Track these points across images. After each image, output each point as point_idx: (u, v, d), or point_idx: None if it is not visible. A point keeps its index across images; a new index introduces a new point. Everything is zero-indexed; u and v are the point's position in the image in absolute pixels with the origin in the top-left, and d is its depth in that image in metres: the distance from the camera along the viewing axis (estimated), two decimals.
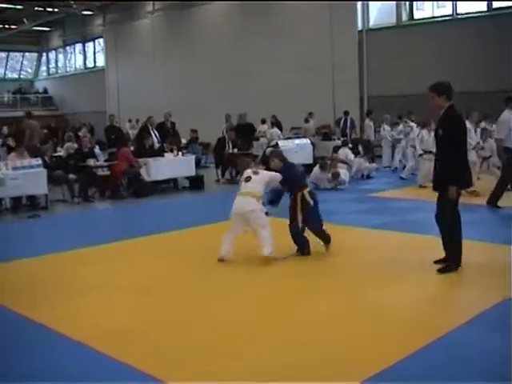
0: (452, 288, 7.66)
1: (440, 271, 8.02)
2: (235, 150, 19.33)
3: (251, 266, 8.84)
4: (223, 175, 19.43)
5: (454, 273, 7.99)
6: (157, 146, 18.05)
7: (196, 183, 17.90)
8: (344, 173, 17.28)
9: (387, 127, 21.98)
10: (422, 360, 5.43)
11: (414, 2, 27.35)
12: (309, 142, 21.40)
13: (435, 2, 26.82)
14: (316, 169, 17.23)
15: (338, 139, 22.09)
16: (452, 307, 7.14)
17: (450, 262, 8.11)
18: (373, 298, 7.25)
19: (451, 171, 7.93)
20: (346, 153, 18.92)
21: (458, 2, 25.37)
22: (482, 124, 17.38)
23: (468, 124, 13.71)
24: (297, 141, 21.29)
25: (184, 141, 22.84)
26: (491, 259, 8.86)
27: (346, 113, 23.85)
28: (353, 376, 5.06)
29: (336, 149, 19.69)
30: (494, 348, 5.69)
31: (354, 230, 11.28)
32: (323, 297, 7.42)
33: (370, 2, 27.75)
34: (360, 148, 20.78)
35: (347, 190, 16.58)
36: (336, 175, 16.83)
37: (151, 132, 18.36)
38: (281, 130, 23.94)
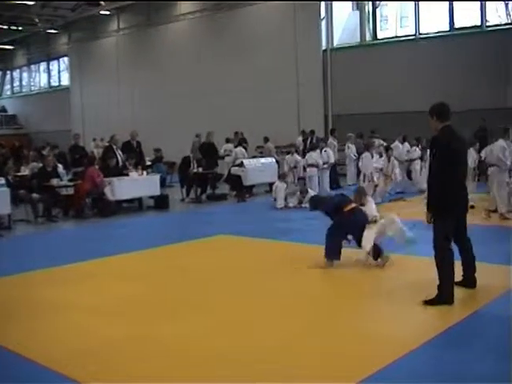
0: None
1: (426, 302, 7.67)
2: (200, 170, 19.33)
3: (221, 283, 8.85)
4: (188, 194, 19.39)
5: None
6: (121, 165, 17.96)
7: (161, 202, 17.84)
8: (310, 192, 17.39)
9: (352, 146, 22.14)
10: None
11: (378, 23, 27.66)
12: (274, 160, 21.50)
13: (398, 23, 27.17)
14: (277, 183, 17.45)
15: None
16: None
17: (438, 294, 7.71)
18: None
19: (428, 196, 7.84)
20: (314, 157, 19.00)
21: (420, 22, 25.73)
22: None
23: (502, 142, 13.99)
24: (262, 160, 21.37)
25: (148, 160, 22.76)
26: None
27: (312, 132, 23.97)
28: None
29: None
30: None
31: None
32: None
33: (334, 21, 27.95)
34: None
35: None
36: (304, 192, 16.98)
37: (115, 151, 18.27)
38: (247, 147, 23.96)
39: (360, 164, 18.05)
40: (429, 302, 7.62)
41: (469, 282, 8.13)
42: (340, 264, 9.69)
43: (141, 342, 6.57)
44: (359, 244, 9.61)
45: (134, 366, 5.94)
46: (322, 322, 7.17)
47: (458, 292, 8.02)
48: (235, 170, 20.40)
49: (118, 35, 37.28)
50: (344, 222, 9.70)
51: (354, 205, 10.00)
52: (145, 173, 18.10)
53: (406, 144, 19.80)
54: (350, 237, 9.74)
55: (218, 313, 7.60)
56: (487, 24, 24.21)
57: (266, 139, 24.61)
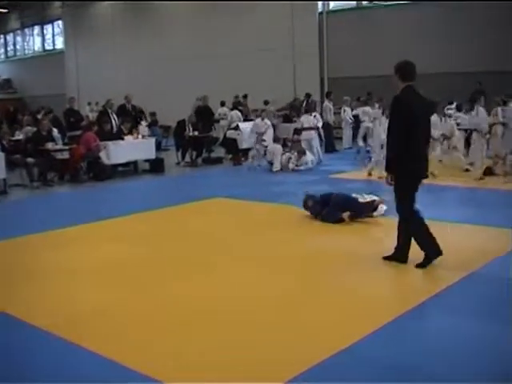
0: (409, 269, 7.69)
1: (417, 266, 7.62)
2: (196, 133, 19.27)
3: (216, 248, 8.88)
4: (183, 158, 19.35)
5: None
6: (116, 129, 17.90)
7: (156, 166, 17.81)
8: (308, 154, 17.45)
9: (348, 109, 22.06)
10: (379, 341, 5.53)
11: None
12: (270, 123, 21.39)
13: None
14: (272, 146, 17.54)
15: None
16: (409, 287, 7.27)
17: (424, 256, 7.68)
18: (328, 280, 7.31)
19: (387, 157, 7.67)
20: (309, 120, 18.92)
21: None
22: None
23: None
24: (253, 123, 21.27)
25: (144, 123, 22.67)
26: (452, 237, 9.01)
27: (308, 95, 23.86)
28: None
29: (297, 131, 19.73)
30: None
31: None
32: (289, 275, 7.47)
33: None
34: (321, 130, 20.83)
35: (308, 171, 16.62)
36: (301, 152, 17.04)
37: (110, 115, 18.20)
38: (242, 110, 23.85)
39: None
40: (420, 265, 7.62)
41: (400, 255, 7.83)
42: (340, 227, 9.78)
43: (138, 303, 6.63)
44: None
45: (132, 327, 6.01)
46: (315, 280, 7.25)
47: (455, 254, 8.07)
48: (231, 134, 20.33)
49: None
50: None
51: None
52: (140, 136, 18.03)
53: None
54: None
55: (216, 272, 7.67)
56: None
57: (266, 102, 24.53)
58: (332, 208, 10.21)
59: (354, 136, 21.88)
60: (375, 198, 10.27)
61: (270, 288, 7.01)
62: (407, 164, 7.38)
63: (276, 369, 4.98)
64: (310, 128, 18.65)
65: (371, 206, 10.04)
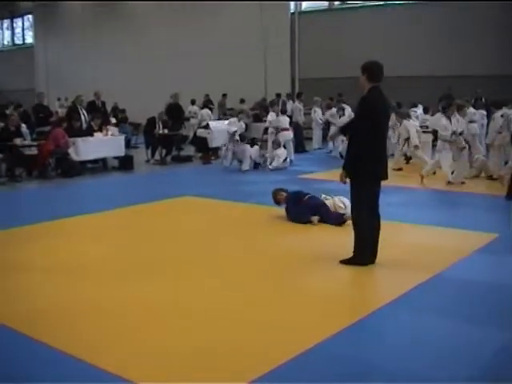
0: (375, 270, 7.78)
1: (341, 262, 7.83)
2: (165, 131, 19.23)
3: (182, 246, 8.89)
4: (153, 156, 19.31)
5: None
6: (86, 125, 17.81)
7: (125, 163, 17.73)
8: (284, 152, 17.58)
9: (318, 109, 22.18)
10: (346, 339, 5.59)
11: None
12: (241, 123, 21.41)
13: None
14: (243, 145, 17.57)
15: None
16: (375, 288, 7.36)
17: (354, 254, 7.81)
18: (291, 280, 7.34)
19: (346, 156, 7.78)
20: (286, 120, 18.93)
21: None
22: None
23: None
24: (228, 122, 21.29)
25: (113, 120, 22.56)
26: (417, 239, 9.13)
27: (278, 95, 23.93)
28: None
29: (266, 130, 19.79)
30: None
31: (277, 210, 11.33)
32: (249, 277, 7.49)
33: None
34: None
35: (277, 171, 16.68)
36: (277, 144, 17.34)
37: (80, 111, 18.12)
38: (212, 110, 23.87)
39: None
40: (344, 262, 7.78)
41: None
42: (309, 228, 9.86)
43: (101, 300, 6.62)
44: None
45: (87, 325, 5.99)
46: (283, 280, 7.28)
47: (419, 256, 8.21)
48: (201, 132, 20.33)
49: None
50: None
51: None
52: (109, 133, 17.95)
53: None
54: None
55: (182, 272, 7.67)
56: None
57: (242, 100, 24.59)
58: (303, 209, 10.28)
59: (324, 137, 22.01)
60: (345, 201, 10.26)
61: (237, 288, 7.04)
62: (368, 165, 7.47)
63: (240, 369, 4.98)
64: (286, 129, 18.63)
65: (340, 219, 10.07)
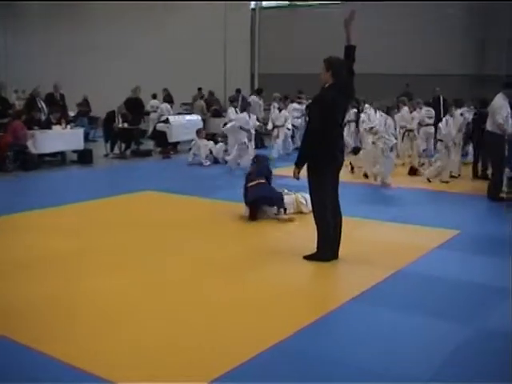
0: (338, 266, 7.82)
1: (304, 257, 7.90)
2: (125, 125, 19.08)
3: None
4: (112, 150, 19.13)
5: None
6: (44, 118, 17.57)
7: (84, 157, 17.53)
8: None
9: (277, 105, 22.17)
10: (310, 335, 5.60)
11: None
12: (199, 118, 21.39)
13: None
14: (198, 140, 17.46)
15: None
16: (338, 284, 7.40)
17: (317, 249, 7.89)
18: (255, 276, 7.36)
19: (299, 151, 7.89)
20: (244, 117, 18.82)
21: None
22: None
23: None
24: (187, 117, 21.27)
25: (72, 114, 22.33)
26: (380, 236, 9.21)
27: (238, 90, 23.90)
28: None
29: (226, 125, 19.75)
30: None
31: (237, 205, 11.34)
32: (212, 273, 7.47)
33: None
34: None
35: (238, 167, 16.63)
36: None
37: (38, 103, 17.88)
38: (172, 103, 23.71)
39: None
40: (308, 257, 7.84)
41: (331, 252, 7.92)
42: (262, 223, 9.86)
43: (65, 297, 6.56)
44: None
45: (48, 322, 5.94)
46: (244, 278, 7.28)
47: (382, 252, 8.28)
48: (161, 127, 20.23)
49: None
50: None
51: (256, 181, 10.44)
52: (68, 126, 17.74)
53: None
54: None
55: (142, 268, 7.60)
56: None
57: (212, 93, 24.58)
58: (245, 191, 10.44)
59: None
60: (307, 197, 10.27)
61: (198, 284, 7.02)
62: (322, 158, 7.59)
63: (201, 368, 4.94)
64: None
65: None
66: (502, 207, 11.68)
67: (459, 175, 14.83)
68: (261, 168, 10.80)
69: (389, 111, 14.53)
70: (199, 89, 25.35)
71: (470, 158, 15.98)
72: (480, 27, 22.55)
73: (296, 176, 7.77)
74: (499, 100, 12.22)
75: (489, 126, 12.30)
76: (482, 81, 21.72)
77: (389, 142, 13.75)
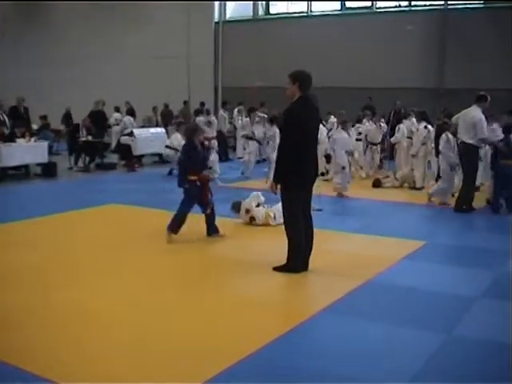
0: (308, 277, 7.88)
1: (274, 269, 7.93)
2: (89, 138, 18.99)
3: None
4: (76, 163, 19.02)
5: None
6: (8, 131, 17.40)
7: (48, 170, 17.41)
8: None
9: (241, 118, 22.28)
10: (283, 346, 5.64)
11: None
12: (163, 130, 21.38)
13: None
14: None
15: None
16: (309, 295, 7.46)
17: (287, 261, 7.92)
18: (227, 288, 7.39)
19: (276, 166, 7.89)
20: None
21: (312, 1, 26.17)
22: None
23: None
24: (152, 129, 21.22)
25: (35, 127, 22.15)
26: (349, 247, 9.30)
27: (202, 104, 23.95)
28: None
29: None
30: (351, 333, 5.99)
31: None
32: (182, 285, 7.49)
33: None
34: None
35: None
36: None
37: (0, 116, 17.71)
38: (134, 117, 23.60)
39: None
40: (277, 269, 7.88)
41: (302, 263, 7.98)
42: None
43: (25, 307, 6.54)
44: None
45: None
46: (217, 289, 7.29)
47: (351, 263, 8.37)
48: (125, 140, 20.15)
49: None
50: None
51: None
52: (32, 139, 17.60)
53: None
54: None
55: (107, 281, 7.58)
56: (377, 6, 24.92)
57: (166, 106, 24.62)
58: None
59: None
60: (276, 213, 10.36)
61: (169, 296, 7.01)
62: (294, 172, 7.63)
63: (177, 379, 4.95)
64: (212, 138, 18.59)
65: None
66: (466, 218, 11.92)
67: (423, 187, 14.99)
68: None
69: (345, 125, 14.76)
70: (126, 102, 25.19)
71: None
72: (440, 42, 22.94)
73: (274, 191, 7.86)
74: (478, 113, 12.33)
75: (467, 138, 12.34)
76: (441, 94, 22.15)
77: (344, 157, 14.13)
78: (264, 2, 27.86)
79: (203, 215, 10.04)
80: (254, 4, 27.68)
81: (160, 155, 19.86)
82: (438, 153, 14.97)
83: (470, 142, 12.33)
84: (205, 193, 9.72)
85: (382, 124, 17.94)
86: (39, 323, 6.12)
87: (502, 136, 12.86)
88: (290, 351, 5.52)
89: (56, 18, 32.59)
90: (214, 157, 17.45)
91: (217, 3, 27.70)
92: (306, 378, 5.05)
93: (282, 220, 8.68)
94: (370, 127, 17.52)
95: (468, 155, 12.46)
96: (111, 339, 5.72)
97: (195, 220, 10.86)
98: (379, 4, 24.96)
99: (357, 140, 16.99)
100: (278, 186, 7.86)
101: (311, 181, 7.98)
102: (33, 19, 33.26)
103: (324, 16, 25.82)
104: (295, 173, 7.64)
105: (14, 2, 33.99)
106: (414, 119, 16.49)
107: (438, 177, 14.94)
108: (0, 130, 16.83)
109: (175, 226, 9.63)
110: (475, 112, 12.34)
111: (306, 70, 7.99)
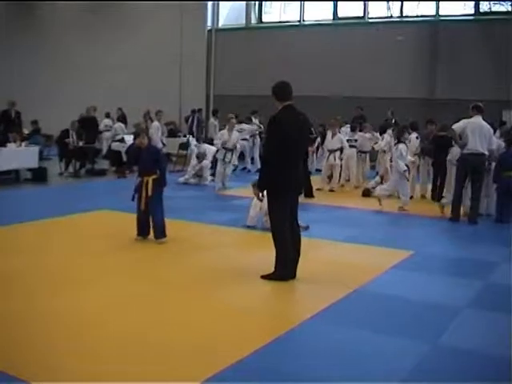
0: (296, 285, 7.92)
1: (262, 277, 7.96)
2: (80, 143, 18.99)
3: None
4: (67, 168, 19.02)
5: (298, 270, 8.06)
6: None
7: (39, 175, 17.40)
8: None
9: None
10: (272, 352, 5.68)
11: (263, 4, 27.96)
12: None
13: (282, 7, 27.64)
14: None
15: (184, 136, 22.25)
16: (297, 303, 7.50)
17: (274, 269, 7.94)
18: (215, 296, 7.39)
19: (260, 173, 8.04)
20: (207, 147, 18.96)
21: (305, 10, 26.29)
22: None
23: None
24: None
25: (26, 131, 22.13)
26: (337, 256, 9.36)
27: (194, 111, 24.01)
28: (193, 376, 5.05)
29: (182, 146, 19.87)
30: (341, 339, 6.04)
31: (197, 226, 11.45)
32: (171, 292, 7.50)
33: (221, 2, 27.98)
34: None
35: (194, 187, 16.70)
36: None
37: None
38: (126, 123, 23.61)
39: None
40: (265, 277, 7.91)
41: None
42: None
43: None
44: None
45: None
46: (205, 297, 7.31)
47: (339, 272, 8.42)
48: (116, 146, 20.19)
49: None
50: None
51: None
52: (23, 144, 17.60)
53: None
54: None
55: (99, 285, 7.60)
56: (369, 16, 25.04)
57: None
58: None
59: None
60: None
61: (156, 304, 7.01)
62: (279, 180, 7.70)
63: None
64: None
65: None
66: (456, 227, 12.04)
67: (412, 197, 15.04)
68: None
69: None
70: (119, 109, 25.17)
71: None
72: (431, 53, 23.07)
73: (259, 198, 8.00)
74: (486, 124, 12.45)
75: (484, 150, 12.37)
76: (432, 105, 22.25)
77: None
78: (257, 11, 27.90)
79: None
80: (246, 12, 27.73)
81: None
82: (434, 163, 15.06)
83: (486, 153, 12.42)
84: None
85: (375, 134, 17.93)
86: (31, 329, 6.12)
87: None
88: (278, 358, 5.56)
89: (49, 24, 32.56)
90: (204, 163, 17.56)
91: (209, 11, 27.70)
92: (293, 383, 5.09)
93: None
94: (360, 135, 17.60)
95: (483, 166, 12.57)
96: (98, 344, 5.73)
97: (182, 228, 10.94)
98: (371, 14, 25.04)
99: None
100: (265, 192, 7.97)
101: (295, 189, 8.03)
102: (26, 24, 33.20)
103: (316, 25, 25.92)
104: (277, 179, 7.70)
105: (7, 7, 33.99)
106: (390, 131, 16.55)
107: (434, 186, 15.03)
108: None
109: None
110: (482, 122, 12.42)
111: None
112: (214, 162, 17.65)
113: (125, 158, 19.45)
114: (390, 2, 25.09)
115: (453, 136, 12.61)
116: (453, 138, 12.77)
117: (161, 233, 9.85)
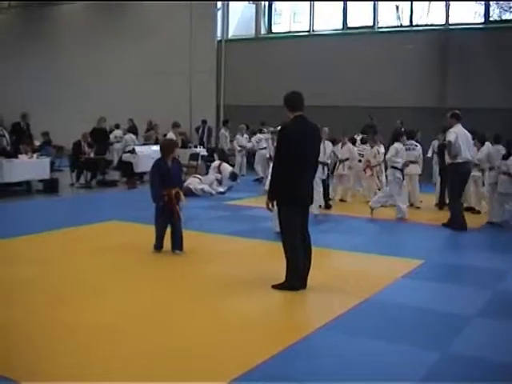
0: (307, 294, 7.92)
1: (273, 287, 7.95)
2: (92, 155, 19.07)
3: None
4: (78, 179, 19.10)
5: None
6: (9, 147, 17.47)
7: (50, 186, 17.48)
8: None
9: (239, 137, 22.34)
10: (285, 360, 5.70)
11: (273, 15, 28.05)
12: None
13: (292, 17, 27.71)
14: None
15: (195, 147, 22.28)
16: (308, 313, 7.51)
17: (285, 279, 7.95)
18: (227, 305, 7.42)
19: (270, 183, 8.02)
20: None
21: (314, 19, 26.31)
22: None
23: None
24: (154, 147, 21.24)
25: (37, 143, 22.25)
26: (347, 265, 9.36)
27: (204, 121, 24.09)
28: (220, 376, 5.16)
29: (193, 156, 19.92)
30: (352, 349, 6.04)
31: (207, 236, 11.49)
32: (183, 301, 7.52)
33: (230, 12, 28.07)
34: (215, 157, 21.10)
35: (203, 198, 16.71)
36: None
37: (2, 131, 17.80)
38: (136, 134, 23.68)
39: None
40: (276, 287, 7.91)
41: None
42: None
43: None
44: None
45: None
46: (216, 306, 7.34)
47: (350, 281, 8.43)
48: (127, 157, 20.25)
49: (8, 13, 35.88)
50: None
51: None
52: (35, 156, 17.68)
53: None
54: None
55: (111, 295, 7.63)
56: (379, 25, 25.06)
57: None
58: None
59: (249, 163, 22.30)
60: None
61: (167, 314, 7.04)
62: (289, 191, 7.71)
63: None
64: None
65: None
66: (464, 236, 12.03)
67: (412, 204, 15.02)
68: None
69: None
70: (130, 120, 25.27)
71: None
72: (441, 61, 23.04)
73: (269, 208, 7.97)
74: (467, 132, 12.74)
75: (471, 157, 12.82)
76: (442, 113, 22.19)
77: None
78: (266, 22, 27.97)
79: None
80: (256, 23, 27.79)
81: None
82: (440, 170, 15.06)
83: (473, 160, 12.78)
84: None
85: (380, 151, 17.65)
86: (40, 337, 6.15)
87: None
88: (288, 367, 5.57)
89: (60, 38, 32.71)
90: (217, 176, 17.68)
91: (219, 22, 27.77)
92: None
93: None
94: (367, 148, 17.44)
95: (470, 173, 12.97)
96: (109, 352, 5.76)
97: (196, 237, 10.97)
98: (381, 23, 25.06)
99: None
100: (275, 203, 7.95)
101: (306, 199, 8.01)
102: (35, 33, 33.33)
103: (326, 35, 25.95)
104: (287, 189, 7.72)
105: (16, 15, 34.18)
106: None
107: (441, 193, 15.00)
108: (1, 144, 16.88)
109: (156, 241, 9.96)
110: (465, 130, 12.70)
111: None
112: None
113: (136, 169, 19.53)
114: (400, 11, 25.10)
115: (449, 148, 12.63)
116: (447, 150, 12.78)
117: (180, 245, 9.88)
